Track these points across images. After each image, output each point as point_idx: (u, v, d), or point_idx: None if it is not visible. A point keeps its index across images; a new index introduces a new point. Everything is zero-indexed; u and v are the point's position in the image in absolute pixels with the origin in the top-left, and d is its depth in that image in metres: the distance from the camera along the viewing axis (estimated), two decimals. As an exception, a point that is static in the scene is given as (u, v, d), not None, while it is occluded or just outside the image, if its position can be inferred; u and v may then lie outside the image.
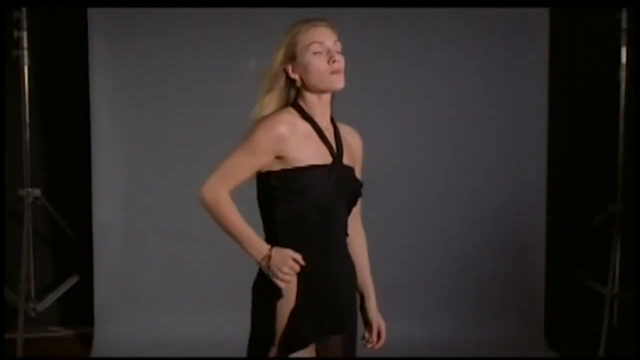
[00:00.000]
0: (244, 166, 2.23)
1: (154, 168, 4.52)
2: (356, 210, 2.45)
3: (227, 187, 2.24)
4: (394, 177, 4.55)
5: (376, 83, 4.50)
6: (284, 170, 2.23)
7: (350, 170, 2.35)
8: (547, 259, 4.63)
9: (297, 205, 2.23)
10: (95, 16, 4.39)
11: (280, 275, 2.21)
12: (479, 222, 4.59)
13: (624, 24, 4.32)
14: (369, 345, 2.49)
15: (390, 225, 4.55)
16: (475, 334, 4.47)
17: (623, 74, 4.38)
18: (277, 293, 2.23)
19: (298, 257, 2.21)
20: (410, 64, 4.55)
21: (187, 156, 4.44)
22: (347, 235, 2.38)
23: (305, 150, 2.24)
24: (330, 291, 2.28)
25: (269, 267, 2.22)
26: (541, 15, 4.53)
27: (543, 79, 4.56)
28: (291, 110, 2.29)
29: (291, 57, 2.27)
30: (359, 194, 2.38)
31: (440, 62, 4.56)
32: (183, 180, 4.43)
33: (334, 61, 2.24)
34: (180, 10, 4.33)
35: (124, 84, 4.49)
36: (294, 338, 2.24)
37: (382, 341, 2.49)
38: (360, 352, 2.56)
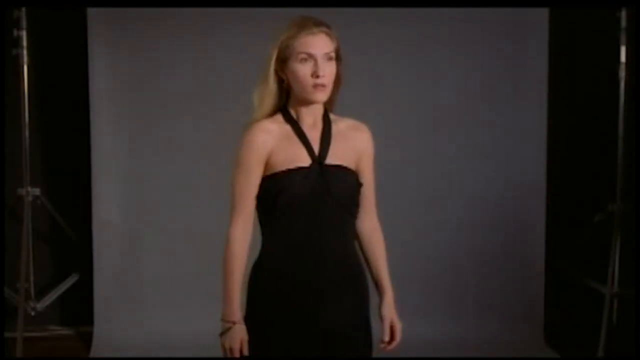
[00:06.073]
0: (245, 187, 2.26)
1: (153, 167, 4.52)
2: (369, 207, 2.44)
3: (244, 219, 2.27)
4: (395, 177, 4.55)
5: (375, 83, 4.50)
6: (263, 178, 2.26)
7: (338, 169, 2.30)
8: (547, 258, 4.63)
9: (278, 208, 2.23)
10: (95, 16, 4.39)
11: (226, 345, 2.27)
12: (478, 221, 4.58)
13: (623, 24, 4.32)
14: (381, 346, 2.43)
15: (390, 225, 4.53)
16: (475, 334, 4.47)
17: (623, 74, 4.38)
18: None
19: (245, 348, 2.26)
20: (409, 64, 4.54)
21: (187, 155, 4.44)
22: (342, 238, 2.34)
23: (283, 154, 2.25)
24: (313, 302, 2.29)
25: (224, 333, 2.28)
26: (541, 15, 4.53)
27: (543, 79, 4.56)
28: (274, 116, 2.30)
29: (282, 59, 2.26)
30: (348, 193, 2.31)
31: (439, 62, 4.56)
32: (183, 180, 4.46)
33: (317, 76, 2.22)
34: (181, 10, 4.33)
35: (124, 84, 4.48)
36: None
37: (395, 343, 2.42)
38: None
